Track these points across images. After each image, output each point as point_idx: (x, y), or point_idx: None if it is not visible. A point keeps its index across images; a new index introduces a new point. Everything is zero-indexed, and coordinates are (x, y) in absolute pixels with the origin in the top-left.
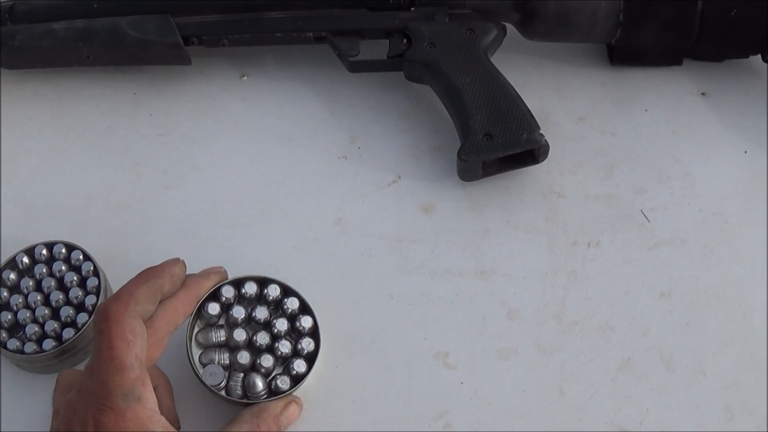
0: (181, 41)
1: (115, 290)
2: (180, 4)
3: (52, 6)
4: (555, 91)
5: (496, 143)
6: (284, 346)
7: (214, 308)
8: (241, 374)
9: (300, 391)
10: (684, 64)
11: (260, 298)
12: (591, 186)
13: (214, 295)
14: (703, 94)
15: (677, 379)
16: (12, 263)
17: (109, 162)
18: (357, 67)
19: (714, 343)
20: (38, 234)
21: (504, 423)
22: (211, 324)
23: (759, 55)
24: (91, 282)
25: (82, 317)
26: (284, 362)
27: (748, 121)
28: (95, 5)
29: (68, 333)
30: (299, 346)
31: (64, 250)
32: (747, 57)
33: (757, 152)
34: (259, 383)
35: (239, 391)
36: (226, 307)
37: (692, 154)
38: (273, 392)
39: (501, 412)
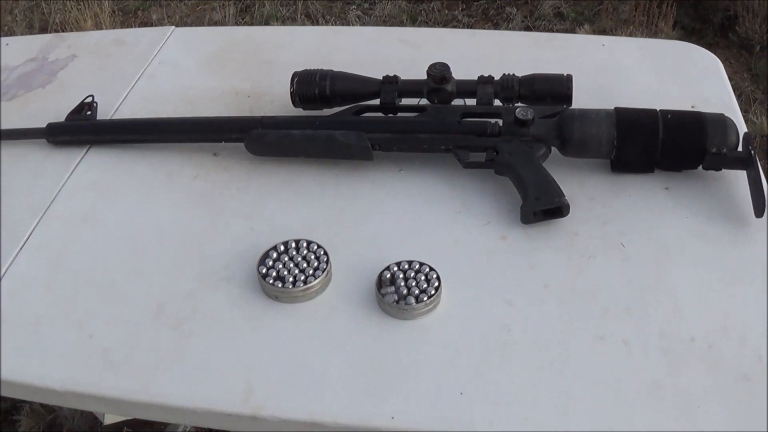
0: (371, 147)
1: (335, 265)
2: (368, 127)
3: (288, 121)
4: (578, 184)
5: (542, 202)
6: (423, 283)
7: (386, 275)
8: (403, 300)
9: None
10: (656, 172)
11: (410, 268)
12: (593, 231)
13: (387, 268)
14: (666, 188)
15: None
16: (274, 248)
17: (327, 208)
18: (468, 166)
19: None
20: (280, 238)
21: (537, 339)
22: (386, 283)
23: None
24: (323, 258)
25: (318, 274)
26: (423, 291)
27: (692, 202)
28: (317, 122)
29: (310, 280)
30: (431, 283)
31: (305, 243)
32: (695, 168)
33: (697, 219)
34: (413, 300)
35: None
36: (392, 273)
37: (655, 218)
38: (418, 302)
39: (536, 336)
